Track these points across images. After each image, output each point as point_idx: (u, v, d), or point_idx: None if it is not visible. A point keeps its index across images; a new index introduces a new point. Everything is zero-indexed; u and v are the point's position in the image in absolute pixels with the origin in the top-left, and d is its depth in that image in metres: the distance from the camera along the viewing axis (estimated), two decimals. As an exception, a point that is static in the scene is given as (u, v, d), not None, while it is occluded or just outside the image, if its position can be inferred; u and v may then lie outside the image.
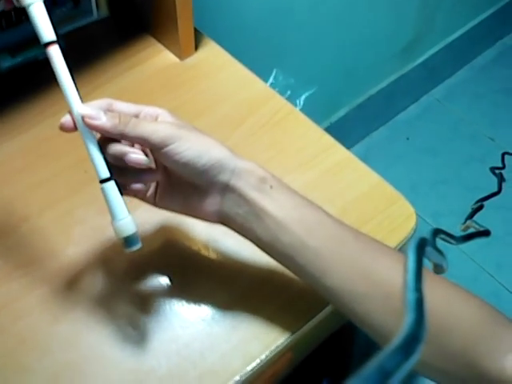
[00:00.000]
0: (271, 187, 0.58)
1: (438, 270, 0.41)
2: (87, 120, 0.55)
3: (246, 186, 0.58)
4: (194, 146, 0.56)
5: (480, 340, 0.55)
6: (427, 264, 0.43)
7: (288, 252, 0.58)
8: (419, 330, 0.29)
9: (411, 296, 0.31)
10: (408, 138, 2.06)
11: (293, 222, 0.57)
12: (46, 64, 0.92)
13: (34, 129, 0.86)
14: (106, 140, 0.57)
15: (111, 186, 0.57)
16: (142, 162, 0.57)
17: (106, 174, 0.57)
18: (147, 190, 0.61)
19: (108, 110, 0.57)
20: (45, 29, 0.57)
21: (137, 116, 0.58)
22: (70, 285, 0.71)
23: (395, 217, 0.79)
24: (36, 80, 0.90)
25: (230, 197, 0.58)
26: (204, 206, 0.60)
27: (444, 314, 0.56)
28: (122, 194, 0.57)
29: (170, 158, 0.56)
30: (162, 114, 0.60)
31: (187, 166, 0.56)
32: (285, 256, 0.59)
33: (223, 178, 0.58)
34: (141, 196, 0.62)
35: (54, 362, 0.65)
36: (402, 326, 0.29)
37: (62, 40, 0.91)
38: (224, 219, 0.60)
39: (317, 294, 0.66)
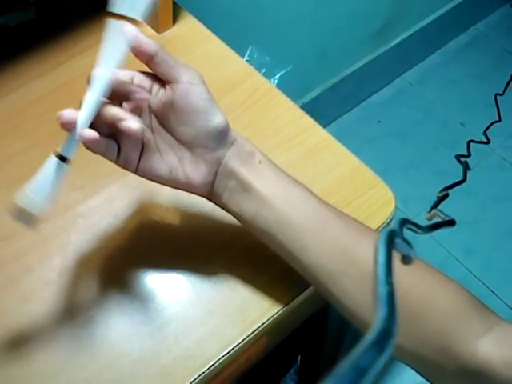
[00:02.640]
0: (260, 162, 0.59)
1: (406, 260, 0.40)
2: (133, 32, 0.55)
3: (237, 159, 0.58)
4: (214, 101, 0.57)
5: (454, 323, 0.56)
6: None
7: (270, 227, 0.58)
8: (392, 324, 0.29)
9: (383, 289, 0.31)
10: (380, 121, 2.06)
11: (277, 198, 0.58)
12: (17, 31, 0.89)
13: (6, 99, 0.83)
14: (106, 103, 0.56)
15: (63, 167, 0.54)
16: (135, 129, 0.54)
17: (69, 154, 0.54)
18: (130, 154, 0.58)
19: None
20: None
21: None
22: (40, 262, 0.69)
23: (374, 201, 0.78)
24: (6, 47, 0.87)
25: (222, 168, 0.58)
26: (196, 175, 0.58)
27: (421, 295, 0.57)
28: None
29: (193, 96, 0.55)
30: None
31: (202, 116, 0.56)
32: (266, 232, 0.59)
33: (224, 147, 0.58)
34: (122, 161, 0.58)
35: (23, 343, 0.64)
36: (374, 321, 0.29)
37: (33, 8, 0.88)
38: (212, 191, 0.60)
39: (292, 281, 0.67)
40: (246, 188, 0.58)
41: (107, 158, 0.57)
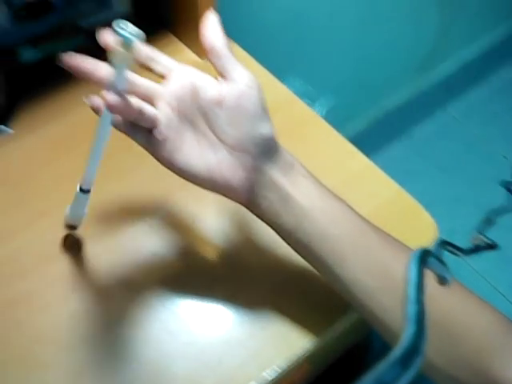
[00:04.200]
0: (300, 175, 0.59)
1: (442, 281, 0.40)
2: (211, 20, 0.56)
3: (279, 170, 0.58)
4: (266, 110, 0.58)
5: (493, 348, 0.55)
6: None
7: (309, 240, 0.58)
8: (419, 342, 0.29)
9: (412, 308, 0.31)
10: (423, 154, 2.05)
11: (317, 210, 0.57)
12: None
13: (58, 122, 0.85)
14: None
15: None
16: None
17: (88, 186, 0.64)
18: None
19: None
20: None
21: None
22: (90, 280, 0.71)
23: (415, 227, 0.78)
24: (58, 73, 0.89)
25: (263, 178, 0.58)
26: (234, 179, 0.58)
27: (459, 318, 0.56)
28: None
29: (247, 100, 0.56)
30: None
31: (252, 121, 0.56)
32: (305, 244, 0.58)
33: (267, 156, 0.58)
34: (152, 146, 0.58)
35: (72, 359, 0.65)
36: (401, 338, 0.29)
37: (82, 34, 0.91)
38: (251, 200, 0.59)
39: (336, 306, 0.66)
40: (286, 199, 0.57)
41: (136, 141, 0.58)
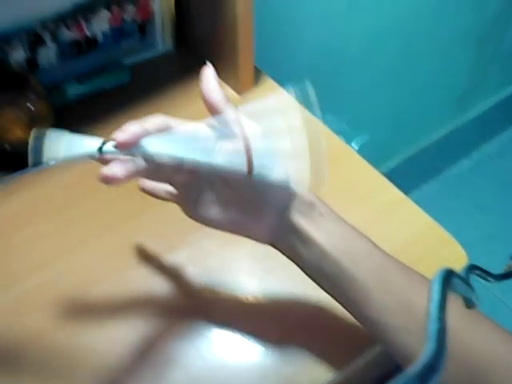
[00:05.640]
0: (321, 214, 0.58)
1: (468, 304, 0.40)
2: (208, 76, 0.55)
3: (297, 211, 0.57)
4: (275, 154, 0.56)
5: None
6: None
7: (332, 281, 0.57)
8: (438, 359, 0.28)
9: (433, 326, 0.31)
10: (458, 193, 2.05)
11: (338, 252, 0.56)
12: (112, 93, 0.95)
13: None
14: None
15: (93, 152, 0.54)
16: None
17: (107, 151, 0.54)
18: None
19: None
20: None
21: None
22: (125, 308, 0.72)
23: (446, 259, 0.78)
24: (101, 109, 0.92)
25: (282, 222, 0.57)
26: (258, 225, 0.58)
27: (482, 352, 0.55)
28: None
29: None
30: None
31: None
32: (328, 284, 0.59)
33: (283, 201, 0.57)
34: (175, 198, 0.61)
35: (105, 380, 0.66)
36: (420, 355, 0.28)
37: (127, 71, 0.95)
38: (273, 241, 0.59)
39: (365, 334, 0.65)
40: (305, 241, 0.57)
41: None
